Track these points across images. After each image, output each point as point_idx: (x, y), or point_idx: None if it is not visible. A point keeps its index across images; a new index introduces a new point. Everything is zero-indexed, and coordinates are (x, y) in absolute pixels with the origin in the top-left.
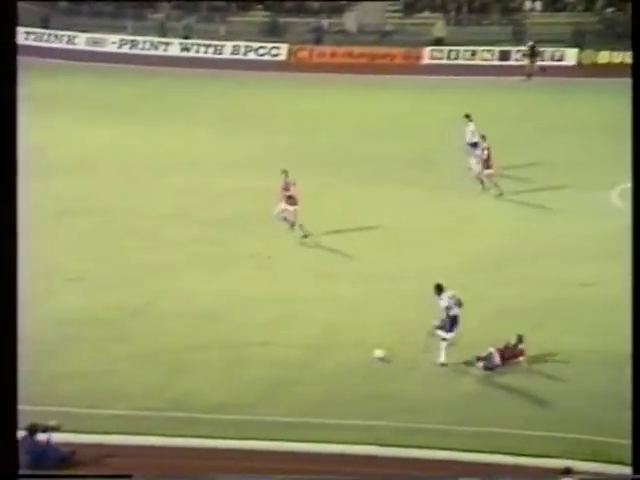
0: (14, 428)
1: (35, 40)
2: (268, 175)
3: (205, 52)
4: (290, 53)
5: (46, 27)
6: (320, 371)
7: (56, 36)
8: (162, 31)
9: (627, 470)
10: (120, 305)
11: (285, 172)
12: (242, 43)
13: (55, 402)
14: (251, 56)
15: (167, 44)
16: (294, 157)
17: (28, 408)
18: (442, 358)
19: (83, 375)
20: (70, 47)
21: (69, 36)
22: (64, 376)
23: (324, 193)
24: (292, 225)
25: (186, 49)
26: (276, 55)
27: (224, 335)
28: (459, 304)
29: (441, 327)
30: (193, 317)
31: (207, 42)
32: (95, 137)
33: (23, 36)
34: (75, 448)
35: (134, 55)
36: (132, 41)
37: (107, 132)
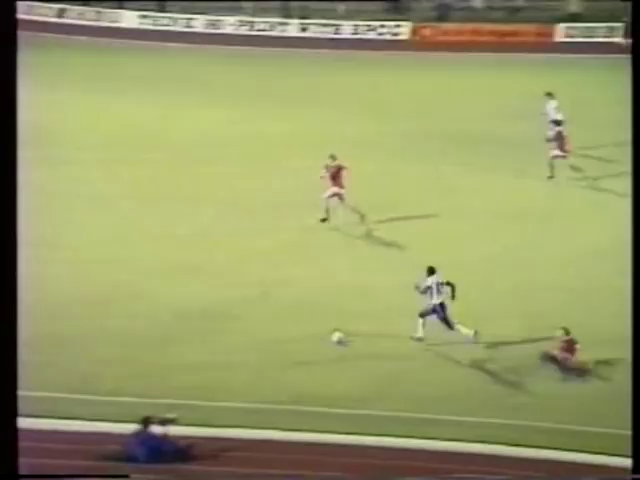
0: (14, 428)
1: (152, 24)
2: (383, 160)
3: (324, 32)
4: (413, 32)
5: (163, 10)
6: (432, 365)
7: (173, 19)
8: (284, 11)
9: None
10: (235, 295)
11: (333, 156)
12: (362, 22)
13: (173, 394)
14: (371, 35)
15: (286, 24)
16: (407, 143)
17: (146, 400)
18: (419, 332)
19: (199, 367)
20: (187, 30)
21: (187, 19)
22: (181, 368)
23: (445, 179)
24: (326, 212)
25: (304, 29)
26: (398, 34)
27: (338, 325)
28: (448, 284)
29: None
30: (308, 307)
31: (326, 22)
32: (213, 121)
33: (139, 20)
34: (192, 441)
35: (252, 36)
36: (250, 22)
37: (225, 116)
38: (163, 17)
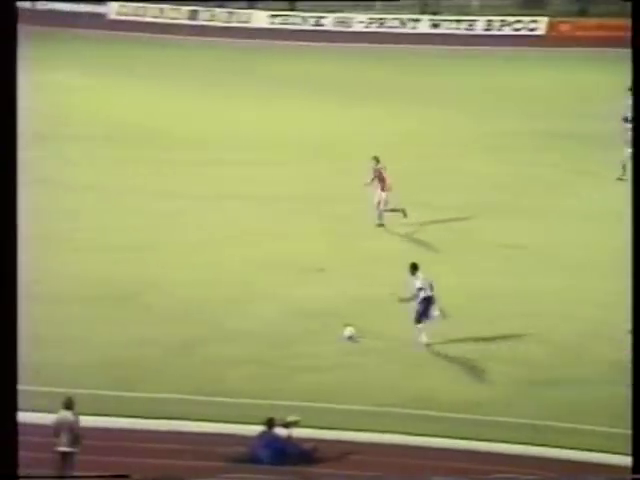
0: (14, 428)
1: (282, 23)
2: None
3: (456, 28)
4: (550, 27)
5: (292, 9)
6: (572, 372)
7: (303, 18)
8: (416, 8)
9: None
10: (360, 297)
11: (376, 158)
12: (496, 17)
13: (296, 396)
14: (506, 31)
15: (416, 21)
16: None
17: (270, 402)
18: (424, 338)
19: (323, 368)
20: (317, 28)
21: (316, 17)
22: (305, 369)
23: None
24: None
25: (436, 25)
26: (534, 29)
27: (465, 329)
28: (431, 287)
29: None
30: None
31: (459, 17)
32: (338, 121)
33: (269, 20)
34: (317, 444)
35: (381, 34)
36: (380, 19)
37: (348, 115)
38: (293, 16)
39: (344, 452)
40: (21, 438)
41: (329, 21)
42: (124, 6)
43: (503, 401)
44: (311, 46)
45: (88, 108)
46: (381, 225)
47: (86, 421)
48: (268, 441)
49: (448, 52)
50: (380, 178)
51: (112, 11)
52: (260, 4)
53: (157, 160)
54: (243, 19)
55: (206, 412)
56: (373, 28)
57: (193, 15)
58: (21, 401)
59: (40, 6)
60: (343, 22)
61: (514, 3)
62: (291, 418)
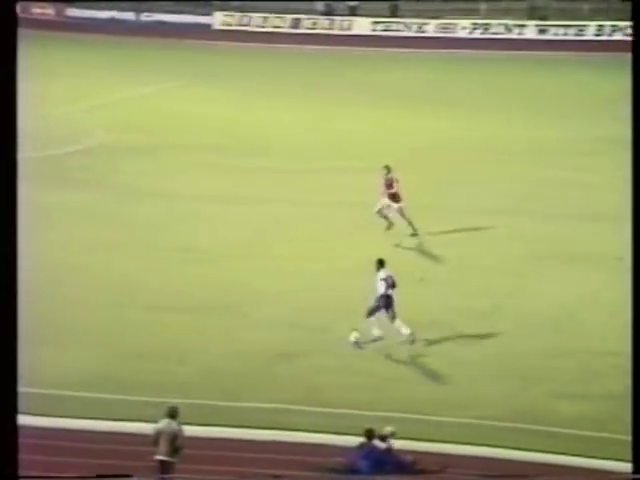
0: (14, 428)
1: (384, 30)
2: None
3: (565, 34)
4: None
5: (395, 15)
6: None
7: (405, 24)
8: (522, 12)
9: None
10: (467, 308)
11: (387, 167)
12: (608, 22)
13: (394, 408)
14: (618, 36)
15: (522, 26)
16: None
17: (368, 413)
18: (376, 331)
19: (429, 379)
20: (419, 35)
21: (419, 24)
22: (408, 380)
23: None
24: (389, 225)
25: (543, 31)
26: None
27: (578, 342)
28: (393, 285)
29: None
30: (542, 320)
31: (567, 23)
32: (439, 129)
33: (370, 27)
34: (416, 456)
35: (486, 40)
36: (485, 25)
37: (445, 125)
38: (395, 22)
39: (443, 465)
40: (129, 448)
41: (432, 27)
42: (229, 15)
43: None
44: (413, 53)
45: (194, 118)
46: (389, 227)
47: (189, 431)
48: (367, 452)
49: (553, 57)
50: (389, 187)
51: (217, 21)
52: (362, 11)
53: (262, 169)
54: (345, 26)
55: (304, 422)
56: (477, 34)
57: (296, 23)
58: (127, 411)
59: (144, 18)
60: (446, 28)
61: (627, 7)
62: (388, 429)
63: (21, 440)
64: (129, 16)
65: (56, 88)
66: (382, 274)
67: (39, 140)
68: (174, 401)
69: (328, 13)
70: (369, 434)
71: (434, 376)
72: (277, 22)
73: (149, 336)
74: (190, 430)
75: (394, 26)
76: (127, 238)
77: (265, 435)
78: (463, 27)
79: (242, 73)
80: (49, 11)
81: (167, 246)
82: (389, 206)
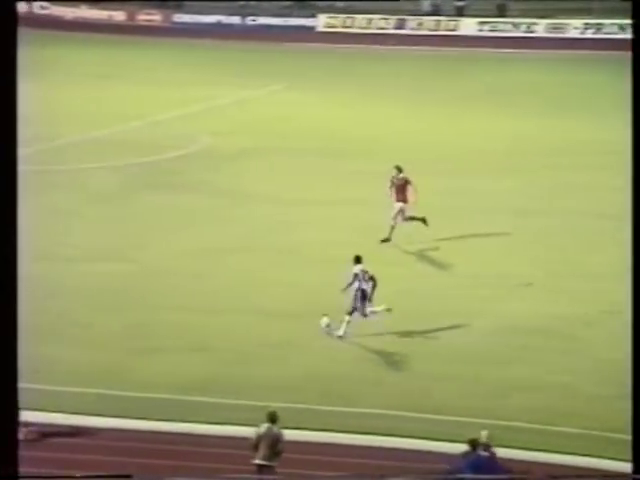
0: (14, 428)
1: (491, 30)
2: None
3: None
4: None
5: (503, 15)
6: None
7: (514, 24)
8: None
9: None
10: (571, 314)
11: (398, 168)
12: None
13: (505, 416)
14: None
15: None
16: None
17: (475, 420)
18: (341, 331)
19: (530, 388)
20: (528, 35)
21: (528, 23)
22: (514, 388)
23: None
24: (390, 231)
25: None
26: None
27: None
28: (371, 279)
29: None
30: None
31: None
32: (541, 134)
33: (477, 27)
34: (524, 466)
35: (600, 40)
36: (598, 25)
37: (533, 126)
38: (503, 23)
39: (552, 475)
40: (220, 451)
41: (541, 27)
42: (333, 17)
43: None
44: (521, 54)
45: (297, 121)
46: (386, 240)
47: (293, 435)
48: (473, 460)
49: None
50: (399, 189)
51: (320, 23)
52: (469, 11)
53: (366, 172)
54: (451, 27)
55: (413, 428)
56: (589, 34)
57: (400, 24)
58: (226, 416)
59: (249, 22)
60: (557, 28)
61: None
62: (484, 434)
63: (139, 444)
64: (235, 20)
65: (161, 93)
66: (356, 269)
67: (146, 146)
68: (279, 405)
69: (434, 13)
70: (474, 443)
71: (545, 385)
72: (381, 23)
73: (261, 338)
74: (298, 434)
75: (501, 26)
76: (234, 241)
77: (370, 441)
78: (575, 27)
79: (346, 75)
80: (156, 17)
81: (273, 248)
82: (401, 210)
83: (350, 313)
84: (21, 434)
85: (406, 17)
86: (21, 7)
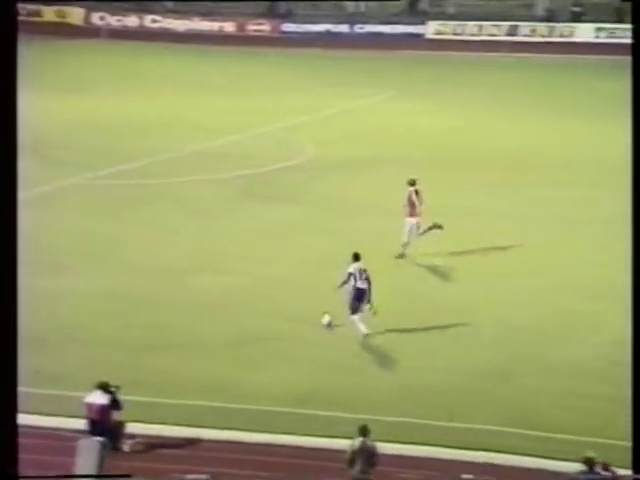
0: (14, 428)
1: (609, 37)
2: None
3: None
4: None
5: (621, 21)
6: None
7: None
8: None
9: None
10: None
11: (411, 182)
12: None
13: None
14: None
15: None
16: None
17: (586, 439)
18: (363, 329)
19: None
20: None
21: None
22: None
23: None
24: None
25: None
26: None
27: None
28: (367, 279)
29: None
30: None
31: None
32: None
33: (594, 34)
34: None
35: None
36: None
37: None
38: (622, 29)
39: None
40: (288, 461)
41: None
42: (443, 24)
43: None
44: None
45: (406, 130)
46: (401, 256)
47: (392, 449)
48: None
49: None
50: (411, 203)
51: (430, 31)
52: (586, 17)
53: (480, 182)
54: (566, 33)
55: (522, 445)
56: None
57: (513, 30)
58: (333, 429)
59: (358, 30)
60: None
61: None
62: (589, 454)
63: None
64: (343, 29)
65: (268, 104)
66: (351, 268)
67: (253, 157)
68: (369, 418)
69: (549, 19)
70: (589, 462)
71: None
72: (493, 30)
73: (350, 352)
74: (401, 448)
75: (619, 32)
76: (341, 252)
77: (477, 457)
78: None
79: (456, 84)
80: (265, 27)
81: (383, 257)
82: (415, 224)
83: (353, 313)
84: (127, 446)
85: (518, 23)
86: (132, 21)
